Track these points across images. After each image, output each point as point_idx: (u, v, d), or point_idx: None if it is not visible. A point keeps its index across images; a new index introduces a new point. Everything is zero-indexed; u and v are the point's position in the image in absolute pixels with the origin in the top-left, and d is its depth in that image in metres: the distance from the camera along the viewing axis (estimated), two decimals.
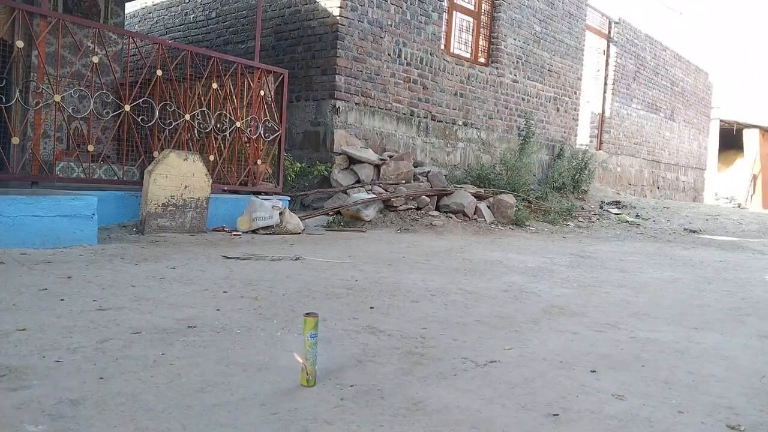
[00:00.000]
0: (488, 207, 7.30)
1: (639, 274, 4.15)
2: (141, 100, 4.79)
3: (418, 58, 8.10)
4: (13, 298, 2.34)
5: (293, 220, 5.23)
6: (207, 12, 9.04)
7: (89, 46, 6.05)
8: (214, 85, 5.27)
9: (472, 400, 1.56)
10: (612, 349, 2.14)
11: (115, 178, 5.04)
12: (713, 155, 19.38)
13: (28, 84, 5.49)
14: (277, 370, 1.70)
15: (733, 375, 1.91)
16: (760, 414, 1.58)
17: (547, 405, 1.55)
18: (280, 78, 5.82)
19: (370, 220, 6.19)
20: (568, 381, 1.76)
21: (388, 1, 7.64)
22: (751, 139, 20.29)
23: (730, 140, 20.52)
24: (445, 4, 8.57)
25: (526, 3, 9.86)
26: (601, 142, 12.50)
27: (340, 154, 7.08)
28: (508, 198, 7.41)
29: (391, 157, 7.36)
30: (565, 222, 8.10)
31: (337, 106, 7.11)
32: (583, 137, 12.32)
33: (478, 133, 9.21)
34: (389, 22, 7.66)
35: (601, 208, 9.78)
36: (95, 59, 4.52)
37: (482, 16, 9.33)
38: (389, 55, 7.71)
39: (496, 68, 9.44)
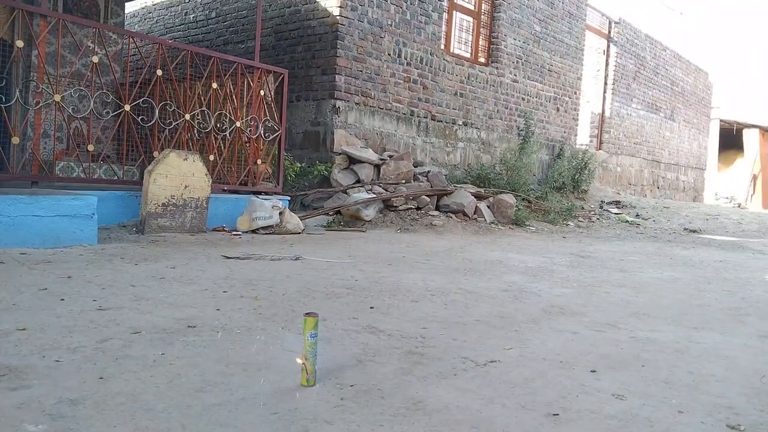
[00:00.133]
0: (488, 207, 7.30)
1: (639, 274, 4.15)
2: (141, 100, 4.79)
3: (418, 58, 8.10)
4: (13, 297, 2.34)
5: (293, 220, 5.23)
6: (207, 12, 9.04)
7: (89, 46, 6.04)
8: (214, 85, 5.27)
9: (472, 399, 1.56)
10: (612, 348, 2.14)
11: (115, 177, 5.04)
12: (713, 155, 19.38)
13: (28, 84, 5.49)
14: (277, 369, 1.70)
15: (733, 375, 1.91)
16: (760, 414, 1.58)
17: (547, 405, 1.55)
18: (280, 78, 5.82)
19: (370, 220, 6.19)
20: (568, 381, 1.76)
21: (388, 1, 7.64)
22: (751, 139, 20.28)
23: (730, 140, 20.51)
24: (445, 4, 8.56)
25: (526, 3, 9.86)
26: (601, 142, 12.50)
27: (340, 154, 7.08)
28: (508, 198, 7.41)
29: (391, 157, 7.36)
30: (565, 222, 8.10)
31: (337, 106, 7.11)
32: (583, 137, 12.32)
33: (478, 133, 9.21)
34: (389, 22, 7.66)
35: (601, 207, 9.78)
36: (95, 59, 4.52)
37: (482, 16, 9.33)
38: (389, 54, 7.71)
39: (496, 68, 9.44)
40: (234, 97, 5.43)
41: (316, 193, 6.85)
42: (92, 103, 4.47)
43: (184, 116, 5.04)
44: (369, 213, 6.22)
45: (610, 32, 12.57)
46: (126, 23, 8.66)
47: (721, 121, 19.66)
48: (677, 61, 15.18)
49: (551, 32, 10.53)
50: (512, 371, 1.82)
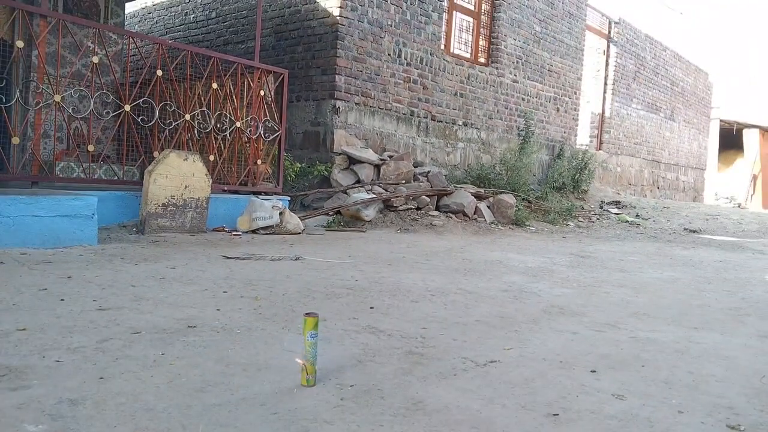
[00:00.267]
0: (488, 207, 7.30)
1: (639, 274, 4.15)
2: (141, 100, 4.79)
3: (418, 58, 8.10)
4: (13, 297, 2.34)
5: (293, 220, 5.23)
6: (207, 12, 9.04)
7: (89, 46, 6.04)
8: (214, 85, 5.27)
9: (472, 399, 1.56)
10: (612, 349, 2.14)
11: (115, 178, 5.04)
12: (713, 155, 19.38)
13: (28, 84, 5.49)
14: (277, 370, 1.70)
15: (733, 375, 1.91)
16: (760, 414, 1.58)
17: (547, 405, 1.55)
18: (280, 78, 5.82)
19: (370, 220, 6.19)
20: (568, 381, 1.76)
21: (388, 1, 7.64)
22: (751, 139, 20.28)
23: (730, 140, 20.51)
24: (445, 4, 8.57)
25: (526, 3, 9.86)
26: (601, 142, 12.50)
27: (340, 154, 7.08)
28: (508, 198, 7.41)
29: (391, 157, 7.36)
30: (565, 222, 8.10)
31: (337, 106, 7.11)
32: (583, 137, 12.32)
33: (478, 133, 9.21)
34: (389, 22, 7.66)
35: (601, 208, 9.78)
36: (95, 59, 4.52)
37: (482, 16, 9.33)
38: (389, 55, 7.71)
39: (496, 68, 9.44)
40: (234, 97, 5.43)
41: (316, 194, 6.85)
42: (92, 103, 4.47)
43: (184, 116, 5.04)
44: (369, 213, 6.22)
45: (610, 32, 12.57)
46: (126, 23, 8.66)
47: (721, 121, 19.66)
48: (677, 61, 15.18)
49: (551, 32, 10.53)
50: (512, 371, 1.82)
